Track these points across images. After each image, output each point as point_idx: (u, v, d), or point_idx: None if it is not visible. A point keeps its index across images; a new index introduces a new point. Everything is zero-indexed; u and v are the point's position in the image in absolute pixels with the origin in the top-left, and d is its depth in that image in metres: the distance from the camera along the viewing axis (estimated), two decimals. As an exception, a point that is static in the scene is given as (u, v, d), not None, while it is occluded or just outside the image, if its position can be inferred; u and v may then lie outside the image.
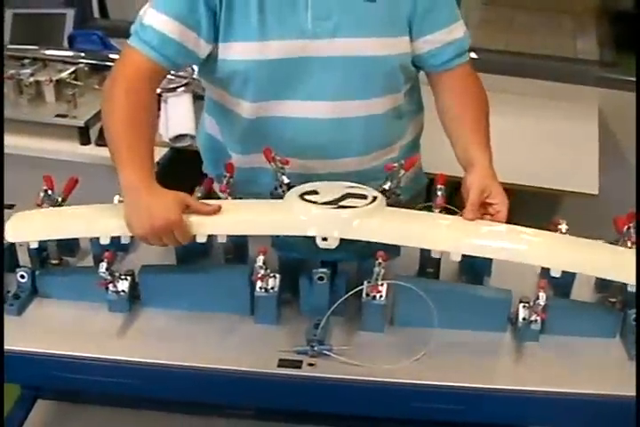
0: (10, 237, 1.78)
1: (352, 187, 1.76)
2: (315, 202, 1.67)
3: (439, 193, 1.83)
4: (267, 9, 1.82)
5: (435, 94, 2.02)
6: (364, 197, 1.71)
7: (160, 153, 2.83)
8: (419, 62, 1.97)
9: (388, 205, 1.80)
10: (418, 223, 1.71)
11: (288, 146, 1.93)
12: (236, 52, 1.85)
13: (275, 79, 1.88)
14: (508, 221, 1.77)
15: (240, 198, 1.89)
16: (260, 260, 1.61)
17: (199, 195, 1.85)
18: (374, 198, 1.70)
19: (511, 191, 3.01)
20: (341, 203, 1.67)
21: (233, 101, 1.97)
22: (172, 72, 2.99)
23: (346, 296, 1.63)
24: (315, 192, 1.72)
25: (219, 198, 1.89)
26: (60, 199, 1.89)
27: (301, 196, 1.70)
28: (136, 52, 1.84)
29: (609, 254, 1.70)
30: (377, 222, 1.64)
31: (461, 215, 1.75)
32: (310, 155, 1.97)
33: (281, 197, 1.81)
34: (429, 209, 1.86)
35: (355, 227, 1.64)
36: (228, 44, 1.85)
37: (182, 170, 2.39)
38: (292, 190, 1.75)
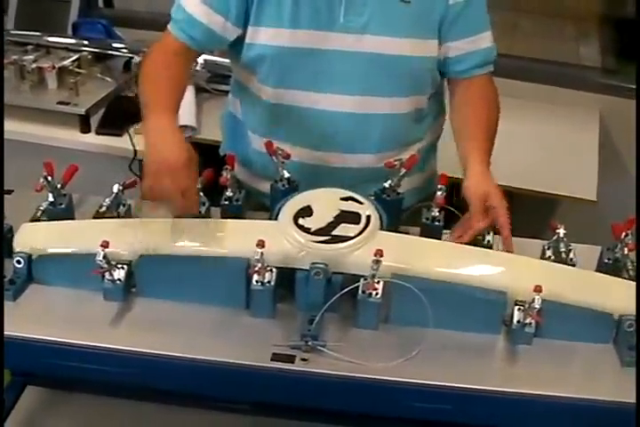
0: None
1: (347, 200, 1.78)
2: (308, 229, 1.70)
3: (439, 193, 1.83)
4: None
5: (449, 99, 2.05)
6: (357, 217, 1.73)
7: (160, 144, 2.83)
8: (440, 67, 1.98)
9: (389, 202, 1.81)
10: (408, 257, 1.71)
11: (306, 136, 1.97)
12: (264, 36, 1.88)
13: (300, 68, 1.91)
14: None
15: (241, 189, 1.91)
16: (258, 253, 1.60)
17: (199, 186, 1.85)
18: (367, 219, 1.73)
19: (509, 194, 3.04)
20: (335, 231, 1.70)
21: (257, 85, 1.99)
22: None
23: (342, 293, 1.63)
24: (309, 210, 1.73)
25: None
26: (59, 186, 1.89)
27: (295, 219, 1.73)
28: (170, 32, 1.92)
29: (601, 289, 1.73)
30: (368, 258, 1.62)
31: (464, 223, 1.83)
32: (326, 147, 1.99)
33: (282, 192, 1.82)
34: (429, 208, 1.86)
35: (347, 263, 1.69)
36: (258, 28, 1.88)
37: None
38: (286, 207, 1.77)
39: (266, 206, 1.98)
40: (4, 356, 1.60)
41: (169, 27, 1.93)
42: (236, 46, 1.94)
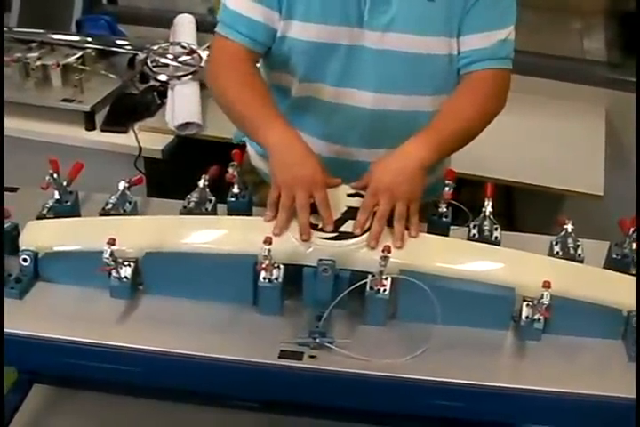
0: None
1: (354, 196, 1.79)
2: (316, 226, 1.70)
3: (447, 188, 1.83)
4: None
5: None
6: None
7: (165, 141, 2.84)
8: None
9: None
10: (416, 254, 1.72)
11: (326, 130, 1.97)
12: (294, 31, 1.88)
13: (325, 63, 1.91)
14: (510, 218, 1.78)
15: (247, 188, 1.90)
16: (265, 250, 1.60)
17: (207, 183, 1.85)
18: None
19: (511, 189, 3.04)
20: (342, 228, 1.71)
21: (282, 77, 1.99)
22: (180, 60, 3.01)
23: (350, 289, 1.63)
24: (316, 208, 1.73)
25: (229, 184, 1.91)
26: (65, 184, 1.89)
27: None
28: (226, 39, 1.90)
29: (610, 286, 1.73)
30: (375, 254, 1.63)
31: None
32: (345, 142, 2.00)
33: None
34: (436, 204, 1.86)
35: (354, 259, 1.69)
36: (290, 21, 1.88)
37: (188, 158, 2.39)
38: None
39: None
40: (3, 356, 1.59)
41: (222, 32, 1.91)
42: None
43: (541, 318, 1.62)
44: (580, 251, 1.80)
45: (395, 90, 1.93)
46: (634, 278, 1.73)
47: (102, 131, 2.88)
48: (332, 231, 1.70)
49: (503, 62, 1.94)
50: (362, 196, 1.77)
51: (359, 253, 1.68)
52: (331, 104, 1.96)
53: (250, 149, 2.15)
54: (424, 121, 1.90)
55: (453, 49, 1.91)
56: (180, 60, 3.04)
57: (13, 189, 2.04)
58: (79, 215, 1.92)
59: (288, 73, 1.97)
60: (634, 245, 1.78)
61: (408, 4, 1.85)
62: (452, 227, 1.88)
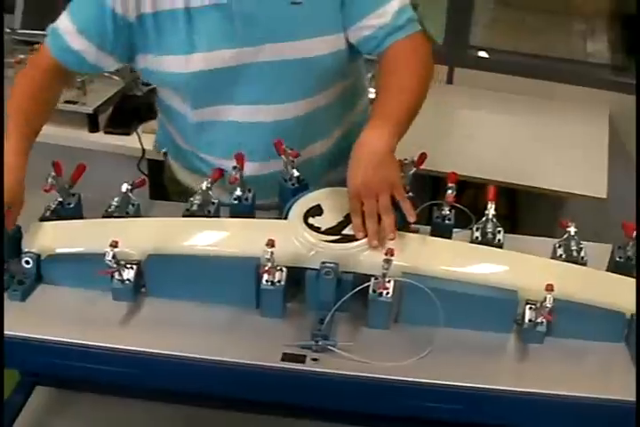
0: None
1: None
2: (319, 228, 1.71)
3: (450, 191, 1.82)
4: (195, 21, 1.83)
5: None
6: None
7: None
8: (360, 49, 1.95)
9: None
10: (419, 256, 1.71)
11: (229, 149, 1.93)
12: (167, 65, 1.89)
13: (211, 88, 1.91)
14: (513, 220, 1.78)
15: (250, 190, 1.90)
16: (268, 252, 1.60)
17: (209, 186, 1.85)
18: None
19: (518, 192, 3.04)
20: (345, 231, 1.71)
21: (176, 103, 2.03)
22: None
23: (352, 292, 1.62)
24: (319, 209, 1.75)
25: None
26: (67, 186, 1.88)
27: (305, 218, 1.74)
28: (46, 46, 1.92)
29: (613, 289, 1.72)
30: (378, 257, 1.62)
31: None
32: (255, 157, 1.99)
33: (291, 191, 1.84)
34: (439, 206, 1.86)
35: (357, 262, 1.68)
36: (161, 57, 1.88)
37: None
38: (296, 206, 1.78)
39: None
40: (3, 356, 1.59)
41: (45, 40, 1.93)
42: (146, 75, 1.99)
43: (544, 321, 1.62)
44: (582, 254, 1.79)
45: (290, 97, 1.95)
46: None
47: (105, 133, 2.89)
48: (336, 234, 1.70)
49: (409, 28, 1.91)
50: None
51: (362, 255, 1.68)
52: (230, 123, 1.98)
53: (170, 160, 2.17)
54: (321, 117, 1.99)
55: (336, 46, 1.91)
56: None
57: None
58: (82, 217, 1.92)
59: (179, 101, 1.99)
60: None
61: (275, 13, 1.84)
62: (454, 230, 1.88)
